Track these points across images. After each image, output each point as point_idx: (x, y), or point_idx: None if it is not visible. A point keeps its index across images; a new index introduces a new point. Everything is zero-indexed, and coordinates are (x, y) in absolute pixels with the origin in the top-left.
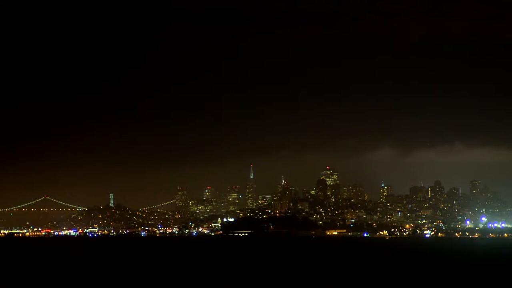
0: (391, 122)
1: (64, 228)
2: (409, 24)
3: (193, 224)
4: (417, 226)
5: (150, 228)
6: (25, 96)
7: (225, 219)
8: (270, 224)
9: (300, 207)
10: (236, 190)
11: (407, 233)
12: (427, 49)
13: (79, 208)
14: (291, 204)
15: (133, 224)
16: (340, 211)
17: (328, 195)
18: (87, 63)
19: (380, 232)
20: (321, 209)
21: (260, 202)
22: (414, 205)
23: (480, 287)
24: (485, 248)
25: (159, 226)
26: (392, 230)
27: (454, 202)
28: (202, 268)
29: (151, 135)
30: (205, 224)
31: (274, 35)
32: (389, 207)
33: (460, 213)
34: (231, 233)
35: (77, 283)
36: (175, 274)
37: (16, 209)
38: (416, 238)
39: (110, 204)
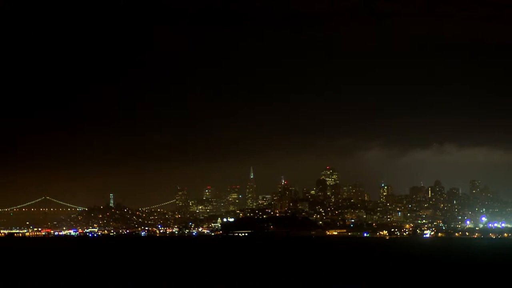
0: (391, 122)
1: (64, 228)
2: (407, 24)
3: (193, 224)
4: (417, 226)
5: (150, 228)
6: (25, 96)
7: (225, 219)
8: (270, 224)
9: (300, 207)
10: (236, 190)
11: (407, 233)
12: (426, 50)
13: (79, 208)
14: (291, 204)
15: (133, 224)
16: (340, 211)
17: (328, 195)
18: (87, 63)
19: (380, 232)
20: (321, 209)
21: (260, 202)
22: (414, 205)
23: (480, 287)
24: (485, 248)
25: (159, 226)
26: (392, 230)
27: (454, 202)
28: (202, 268)
29: (151, 135)
30: (205, 224)
31: (273, 35)
32: (389, 207)
33: (460, 213)
34: (231, 233)
35: (77, 283)
36: (175, 274)
37: (16, 209)
38: (416, 238)
39: (110, 204)
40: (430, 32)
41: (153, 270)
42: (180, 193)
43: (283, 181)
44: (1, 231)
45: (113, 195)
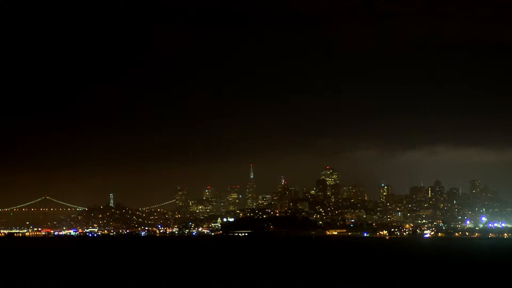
0: (391, 122)
1: (64, 228)
2: (407, 24)
3: (193, 224)
4: (417, 226)
5: (150, 228)
6: (25, 96)
7: (225, 219)
8: (270, 224)
9: (300, 207)
10: (236, 190)
11: (407, 233)
12: (426, 50)
13: (79, 208)
14: (291, 204)
15: (133, 224)
16: (340, 211)
17: (328, 195)
18: (87, 63)
19: (380, 232)
20: (321, 209)
21: (260, 202)
22: (414, 205)
23: (480, 287)
24: (485, 248)
25: (159, 226)
26: (392, 230)
27: (454, 202)
28: (202, 268)
29: (151, 135)
30: (205, 224)
31: (273, 35)
32: (389, 207)
33: (460, 213)
34: (231, 233)
35: (77, 283)
36: (175, 274)
37: (16, 209)
38: (416, 238)
39: (110, 204)
40: (430, 32)
41: (153, 270)
42: (180, 193)
43: (283, 181)
44: (1, 231)
45: (113, 195)
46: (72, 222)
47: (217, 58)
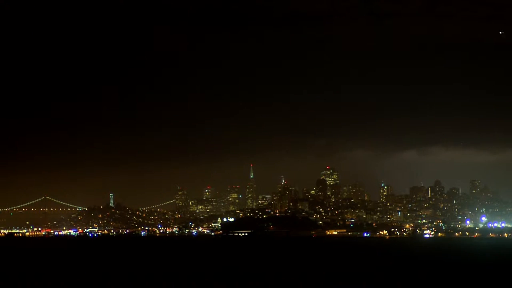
0: (391, 122)
1: (64, 228)
2: (407, 24)
3: (193, 224)
4: (417, 226)
5: (150, 228)
6: (25, 96)
7: (225, 219)
8: (270, 224)
9: (300, 207)
10: (236, 190)
11: (407, 233)
12: (426, 50)
13: (79, 208)
14: (291, 204)
15: (133, 224)
16: (340, 211)
17: (328, 195)
18: (87, 63)
19: (380, 232)
20: (321, 209)
21: (260, 202)
22: (414, 205)
23: (480, 287)
24: (485, 248)
25: (159, 226)
26: (392, 230)
27: (454, 202)
28: (202, 268)
29: (151, 135)
30: (205, 224)
31: (273, 35)
32: (389, 207)
33: (460, 213)
34: (231, 233)
35: (77, 283)
36: (175, 274)
37: (16, 209)
38: (416, 238)
39: (110, 204)
40: (430, 32)
41: (153, 270)
42: (180, 193)
43: (283, 181)
44: (1, 231)
45: (113, 195)
46: (72, 222)
47: (217, 58)
